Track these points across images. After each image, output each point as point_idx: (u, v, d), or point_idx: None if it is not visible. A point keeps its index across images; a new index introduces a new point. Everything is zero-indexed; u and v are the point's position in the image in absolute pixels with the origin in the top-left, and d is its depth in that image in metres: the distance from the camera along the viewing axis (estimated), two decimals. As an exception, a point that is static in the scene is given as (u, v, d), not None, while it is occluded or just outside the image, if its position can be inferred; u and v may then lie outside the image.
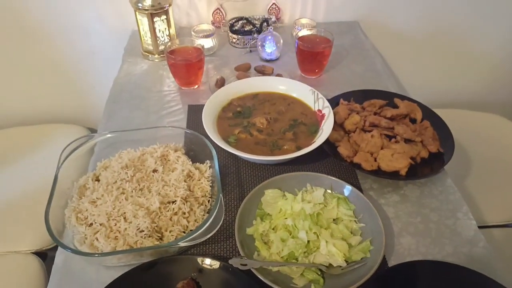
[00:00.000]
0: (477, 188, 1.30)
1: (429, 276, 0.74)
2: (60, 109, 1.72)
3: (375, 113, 1.07)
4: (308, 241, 0.78)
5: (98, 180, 0.90)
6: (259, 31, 1.39)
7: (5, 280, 1.11)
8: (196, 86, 1.23)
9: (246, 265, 0.72)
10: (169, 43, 1.20)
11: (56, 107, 1.72)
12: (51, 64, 1.60)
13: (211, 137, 0.92)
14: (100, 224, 0.80)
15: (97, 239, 0.78)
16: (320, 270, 0.75)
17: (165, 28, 1.30)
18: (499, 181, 1.34)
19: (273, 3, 1.50)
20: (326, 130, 0.94)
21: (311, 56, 1.21)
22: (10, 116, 1.70)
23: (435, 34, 1.70)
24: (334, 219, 0.83)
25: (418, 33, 1.68)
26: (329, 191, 0.87)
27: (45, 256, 1.23)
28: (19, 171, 1.40)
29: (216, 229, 0.75)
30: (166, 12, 1.27)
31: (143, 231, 0.78)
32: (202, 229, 0.74)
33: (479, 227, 0.86)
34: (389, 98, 1.12)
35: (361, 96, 1.12)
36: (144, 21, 1.27)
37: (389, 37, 1.66)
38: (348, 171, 0.97)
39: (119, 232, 0.79)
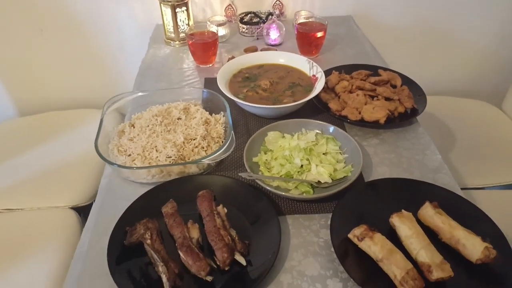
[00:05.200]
0: (459, 160, 1.48)
1: (397, 188, 0.93)
2: (92, 96, 1.95)
3: (361, 80, 1.27)
4: (302, 165, 0.98)
5: (134, 127, 1.12)
6: (264, 22, 1.62)
7: (47, 230, 1.29)
8: (211, 64, 1.46)
9: (252, 177, 0.92)
10: (189, 28, 1.44)
11: (89, 94, 1.95)
12: (87, 55, 1.86)
13: (224, 92, 1.13)
14: (137, 154, 1.01)
15: (135, 164, 0.99)
16: (311, 184, 0.94)
17: (185, 18, 1.54)
18: (479, 154, 1.52)
19: (277, 0, 1.73)
20: (318, 87, 1.16)
21: (309, 38, 1.44)
22: (50, 101, 1.95)
23: (424, 27, 1.92)
24: (323, 153, 1.03)
25: (408, 26, 1.90)
26: (319, 131, 1.07)
27: (80, 212, 1.43)
28: (58, 145, 1.62)
29: (230, 151, 0.95)
30: (186, 4, 1.52)
31: (171, 157, 0.99)
32: (220, 151, 0.95)
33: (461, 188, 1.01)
34: (374, 70, 1.32)
35: (350, 69, 1.33)
36: (167, 12, 1.52)
37: (380, 31, 1.88)
38: (337, 123, 1.16)
39: (152, 159, 1.00)
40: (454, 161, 1.48)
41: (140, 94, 1.18)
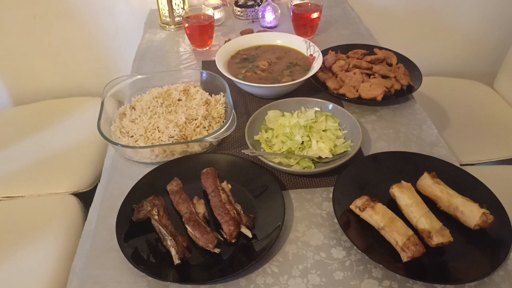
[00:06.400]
0: (453, 138, 1.51)
1: (396, 161, 0.96)
2: (88, 83, 1.94)
3: (357, 59, 1.29)
4: (302, 142, 1.00)
5: (134, 109, 1.12)
6: (259, 5, 1.63)
7: (49, 216, 1.29)
8: (208, 47, 1.46)
9: (254, 154, 0.94)
10: (185, 11, 1.44)
11: (85, 82, 1.95)
12: (81, 42, 1.85)
13: (223, 72, 1.14)
14: (140, 135, 1.02)
15: (138, 145, 1.00)
16: (312, 160, 0.97)
17: (180, 2, 1.54)
18: (472, 132, 1.56)
19: (272, -17, 1.74)
20: (316, 66, 1.17)
21: (304, 19, 1.45)
22: (45, 90, 1.94)
23: (416, 9, 1.94)
24: (323, 130, 1.05)
25: (401, 9, 1.92)
26: (318, 109, 1.09)
27: (81, 198, 1.43)
28: (55, 132, 1.60)
29: (232, 129, 0.97)
30: (181, -12, 1.52)
31: (174, 137, 1.00)
32: (223, 129, 0.96)
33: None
34: (370, 49, 1.34)
35: (346, 49, 1.35)
36: (162, -4, 1.52)
37: (373, 13, 1.89)
38: (335, 102, 1.17)
39: (155, 139, 1.01)
40: (447, 139, 1.50)
41: (139, 77, 1.19)
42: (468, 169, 1.37)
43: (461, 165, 1.42)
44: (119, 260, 0.79)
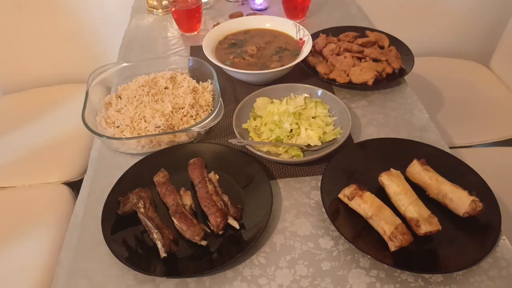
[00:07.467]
0: (448, 119, 1.49)
1: (386, 148, 0.94)
2: (77, 71, 1.90)
3: (348, 42, 1.26)
4: (291, 130, 0.98)
5: (120, 98, 1.10)
6: (249, -13, 1.58)
7: (41, 205, 1.29)
8: (196, 32, 1.43)
9: (242, 143, 0.93)
10: (172, -5, 1.40)
11: (74, 69, 1.91)
12: (69, 30, 1.82)
13: (210, 59, 1.12)
14: (126, 125, 1.00)
15: (124, 135, 0.98)
16: (301, 148, 0.95)
17: (167, -15, 1.50)
18: (467, 113, 1.54)
19: (261, -37, 1.68)
20: (306, 51, 1.14)
21: (295, 1, 1.41)
22: (34, 78, 1.90)
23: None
24: (313, 117, 1.03)
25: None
26: (307, 95, 1.07)
27: (73, 187, 1.42)
28: (45, 121, 1.59)
29: (219, 118, 0.95)
30: (167, -30, 1.47)
31: (160, 127, 0.98)
32: (209, 118, 0.94)
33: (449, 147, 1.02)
34: (362, 32, 1.31)
35: (337, 31, 1.31)
36: (149, -21, 1.47)
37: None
38: (326, 87, 1.15)
39: (141, 129, 0.99)
40: (442, 121, 1.49)
41: (125, 64, 1.16)
42: (462, 152, 1.38)
43: (454, 147, 1.43)
44: (107, 253, 0.78)
